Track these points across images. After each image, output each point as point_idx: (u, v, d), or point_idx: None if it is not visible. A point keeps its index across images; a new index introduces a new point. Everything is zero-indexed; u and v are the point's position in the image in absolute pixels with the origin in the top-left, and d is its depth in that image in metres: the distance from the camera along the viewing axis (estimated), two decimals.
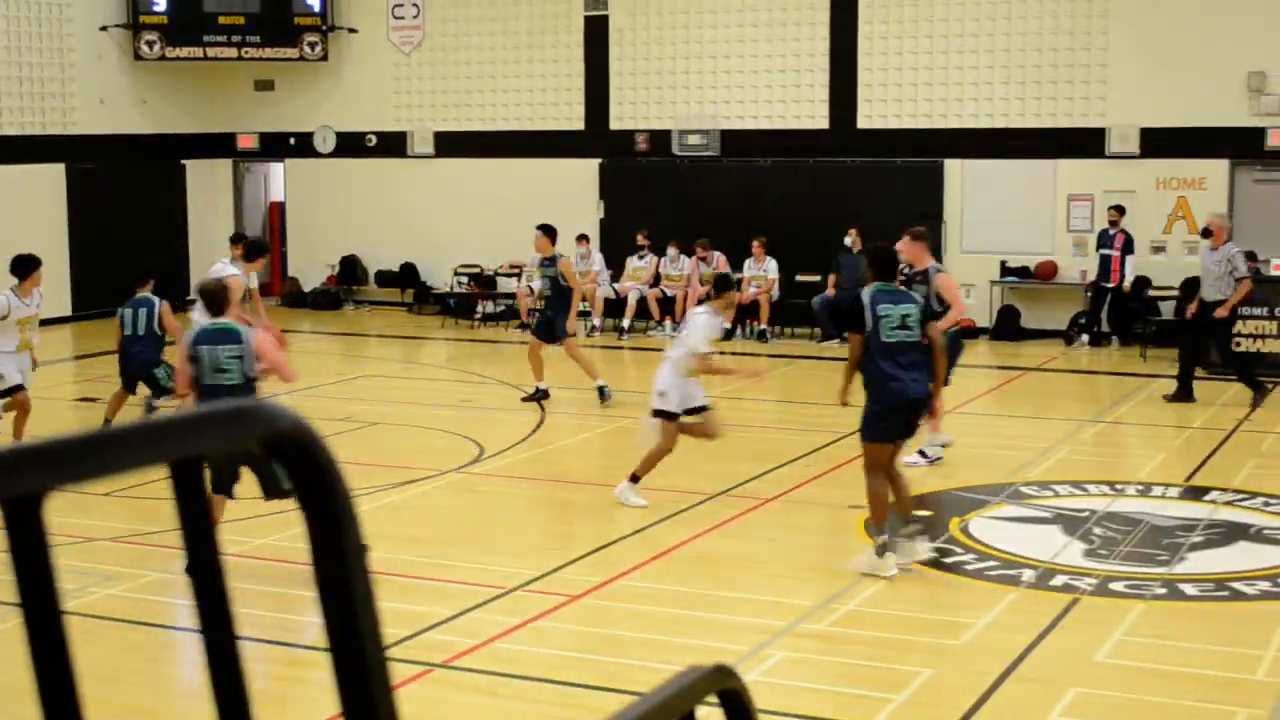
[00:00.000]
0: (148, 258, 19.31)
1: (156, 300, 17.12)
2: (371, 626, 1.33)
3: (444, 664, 9.51)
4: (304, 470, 1.31)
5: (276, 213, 31.04)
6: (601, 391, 18.61)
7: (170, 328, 17.08)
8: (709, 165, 26.56)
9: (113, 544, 12.32)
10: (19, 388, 15.73)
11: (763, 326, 24.78)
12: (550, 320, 18.84)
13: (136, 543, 12.36)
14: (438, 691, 9.11)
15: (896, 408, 11.13)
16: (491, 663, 9.58)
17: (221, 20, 28.44)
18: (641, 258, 25.98)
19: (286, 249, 30.52)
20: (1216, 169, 23.57)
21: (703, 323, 13.24)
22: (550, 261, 18.81)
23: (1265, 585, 11.30)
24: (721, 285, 13.86)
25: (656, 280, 25.79)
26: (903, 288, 11.73)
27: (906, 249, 14.37)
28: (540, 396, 18.81)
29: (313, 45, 28.87)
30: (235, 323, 11.37)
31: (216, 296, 11.48)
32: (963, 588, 11.22)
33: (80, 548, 11.90)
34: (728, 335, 24.74)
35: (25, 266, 16.01)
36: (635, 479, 13.41)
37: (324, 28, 28.87)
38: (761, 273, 25.04)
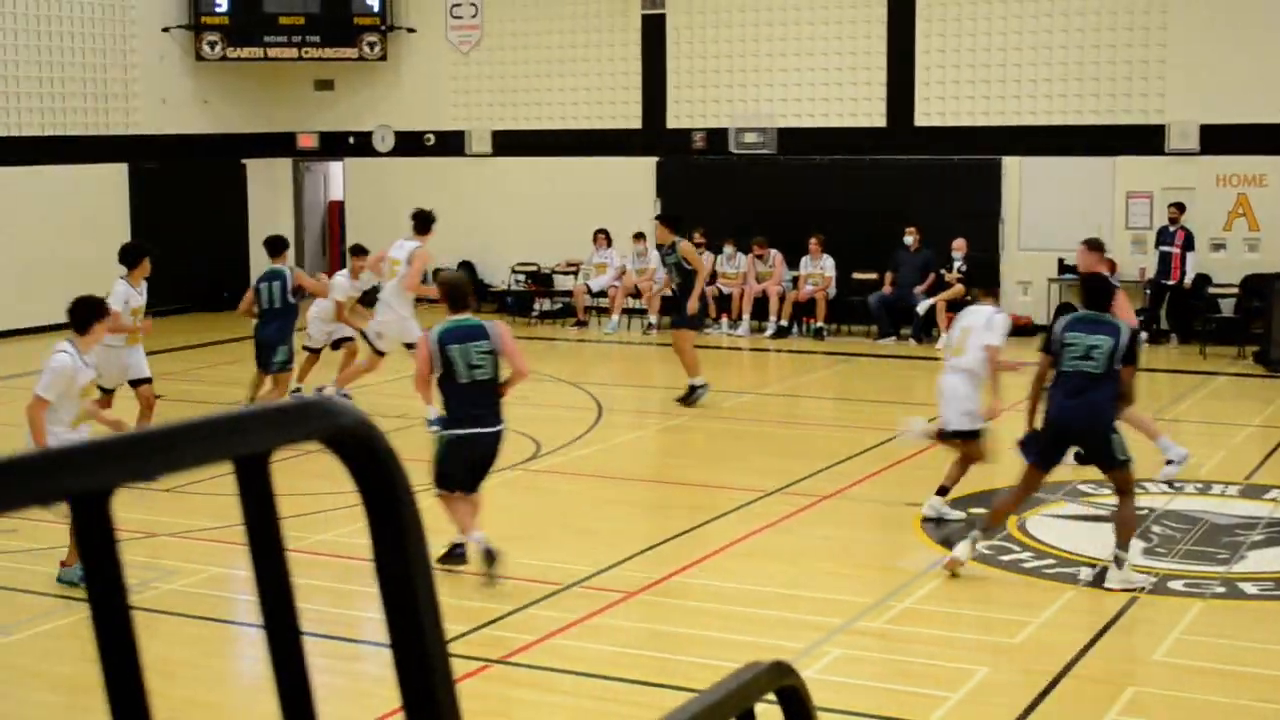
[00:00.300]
0: (275, 233, 18.89)
1: (288, 270, 16.98)
2: (433, 622, 1.34)
3: (501, 660, 9.55)
4: (367, 467, 1.33)
5: (336, 212, 31.19)
6: (693, 390, 18.25)
7: (308, 287, 17.13)
8: (766, 163, 26.52)
9: (174, 539, 12.43)
10: (145, 380, 15.43)
11: (820, 324, 24.73)
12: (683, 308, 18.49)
13: (198, 538, 12.46)
14: (495, 687, 9.15)
15: (1047, 432, 11.05)
16: (549, 659, 9.61)
17: (282, 21, 28.62)
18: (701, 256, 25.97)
19: (345, 247, 30.63)
20: (1277, 166, 23.34)
21: (1003, 321, 12.77)
22: (670, 249, 18.59)
23: None
24: (988, 281, 14.03)
25: (713, 278, 25.77)
26: (1109, 317, 11.11)
27: (1082, 258, 14.31)
28: (695, 395, 18.26)
29: (372, 45, 29.00)
30: (476, 317, 11.14)
31: (461, 290, 11.12)
32: (1020, 586, 11.18)
33: (142, 543, 12.00)
34: (784, 333, 24.76)
35: (135, 254, 15.26)
36: (943, 491, 12.81)
37: (383, 28, 29.00)
38: (818, 270, 24.98)
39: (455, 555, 11.13)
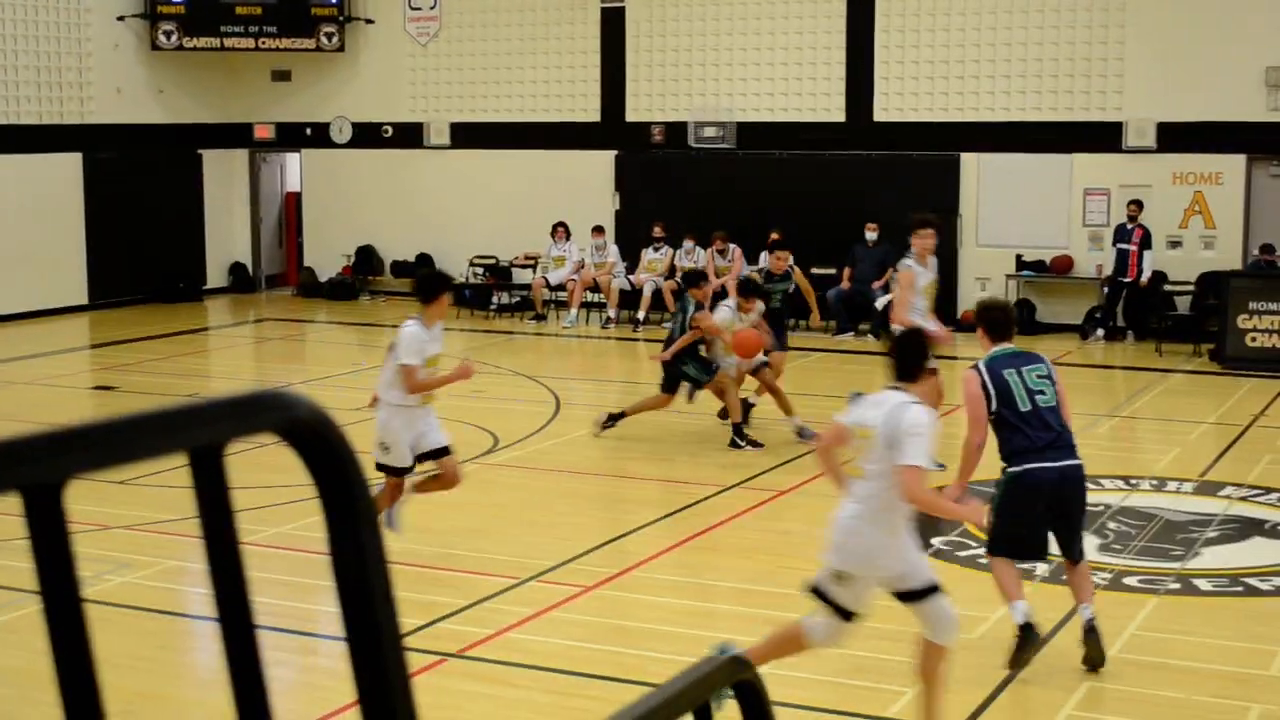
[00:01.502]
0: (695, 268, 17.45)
1: (692, 302, 16.13)
2: (389, 615, 1.33)
3: (458, 654, 9.53)
4: (322, 460, 1.32)
5: (292, 203, 31.08)
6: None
7: (704, 327, 15.84)
8: (725, 158, 26.54)
9: (128, 531, 12.35)
10: (444, 450, 11.59)
11: None
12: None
13: (151, 530, 12.39)
14: (451, 681, 9.13)
15: None
16: (505, 653, 9.60)
17: (239, 11, 28.48)
18: (657, 249, 25.98)
19: (302, 239, 30.56)
20: (1233, 164, 23.50)
21: None
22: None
23: (1279, 581, 11.29)
24: None
25: (672, 272, 25.77)
26: None
27: None
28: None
29: (329, 36, 28.89)
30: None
31: (1004, 319, 9.72)
32: (976, 582, 11.20)
33: (95, 535, 11.93)
34: None
35: (433, 287, 11.44)
36: None
37: (341, 18, 28.89)
38: None
39: (1028, 640, 9.21)
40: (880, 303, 23.58)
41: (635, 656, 9.60)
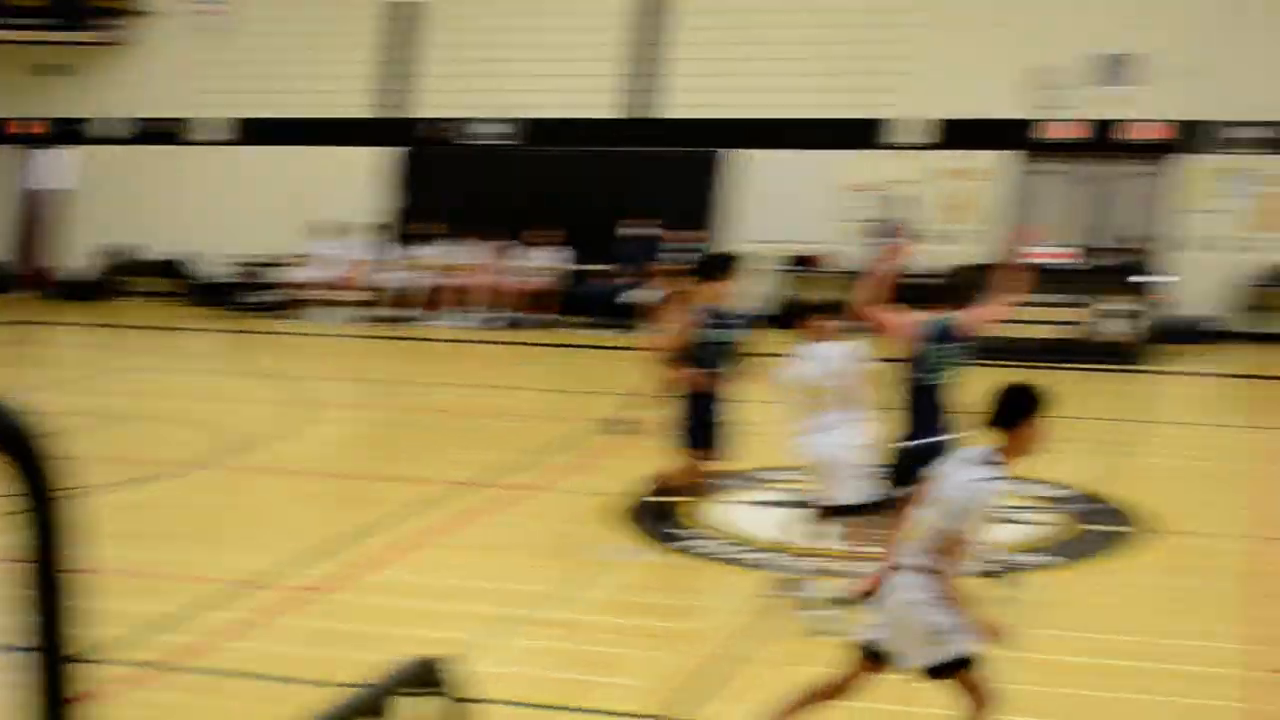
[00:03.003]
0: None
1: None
2: (62, 626, 1.41)
3: (166, 663, 9.11)
4: (21, 465, 1.39)
5: (53, 200, 30.13)
6: None
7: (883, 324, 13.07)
8: (505, 153, 26.45)
9: None
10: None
11: (549, 315, 24.79)
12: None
13: None
14: (160, 695, 8.70)
15: None
16: (218, 661, 9.20)
17: (12, 1, 27.70)
18: (434, 247, 25.80)
19: (60, 238, 29.64)
20: (997, 160, 24.00)
21: None
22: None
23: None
24: None
25: (452, 269, 25.60)
26: None
27: None
28: None
29: (109, 28, 28.18)
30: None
31: (948, 287, 10.35)
32: (689, 570, 11.10)
33: None
34: (514, 325, 24.59)
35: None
36: None
37: (122, 10, 28.16)
38: (550, 262, 25.11)
39: None
40: (633, 296, 23.46)
41: (353, 661, 9.25)
